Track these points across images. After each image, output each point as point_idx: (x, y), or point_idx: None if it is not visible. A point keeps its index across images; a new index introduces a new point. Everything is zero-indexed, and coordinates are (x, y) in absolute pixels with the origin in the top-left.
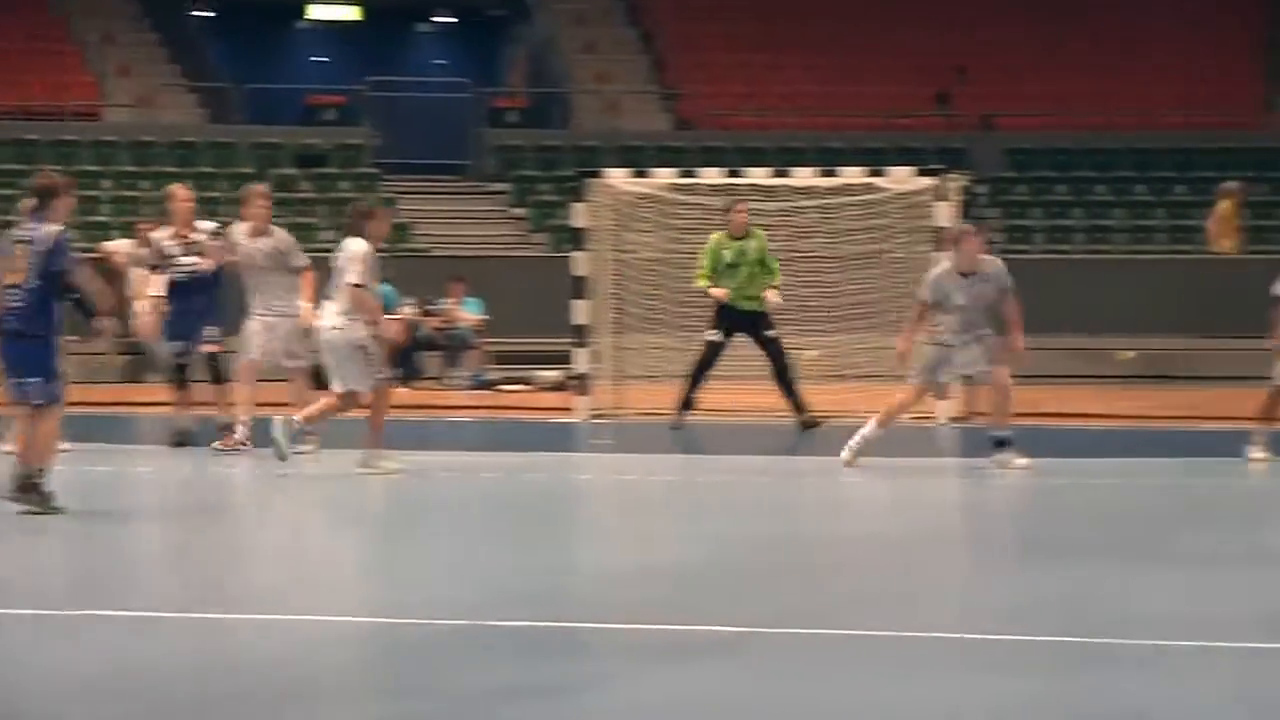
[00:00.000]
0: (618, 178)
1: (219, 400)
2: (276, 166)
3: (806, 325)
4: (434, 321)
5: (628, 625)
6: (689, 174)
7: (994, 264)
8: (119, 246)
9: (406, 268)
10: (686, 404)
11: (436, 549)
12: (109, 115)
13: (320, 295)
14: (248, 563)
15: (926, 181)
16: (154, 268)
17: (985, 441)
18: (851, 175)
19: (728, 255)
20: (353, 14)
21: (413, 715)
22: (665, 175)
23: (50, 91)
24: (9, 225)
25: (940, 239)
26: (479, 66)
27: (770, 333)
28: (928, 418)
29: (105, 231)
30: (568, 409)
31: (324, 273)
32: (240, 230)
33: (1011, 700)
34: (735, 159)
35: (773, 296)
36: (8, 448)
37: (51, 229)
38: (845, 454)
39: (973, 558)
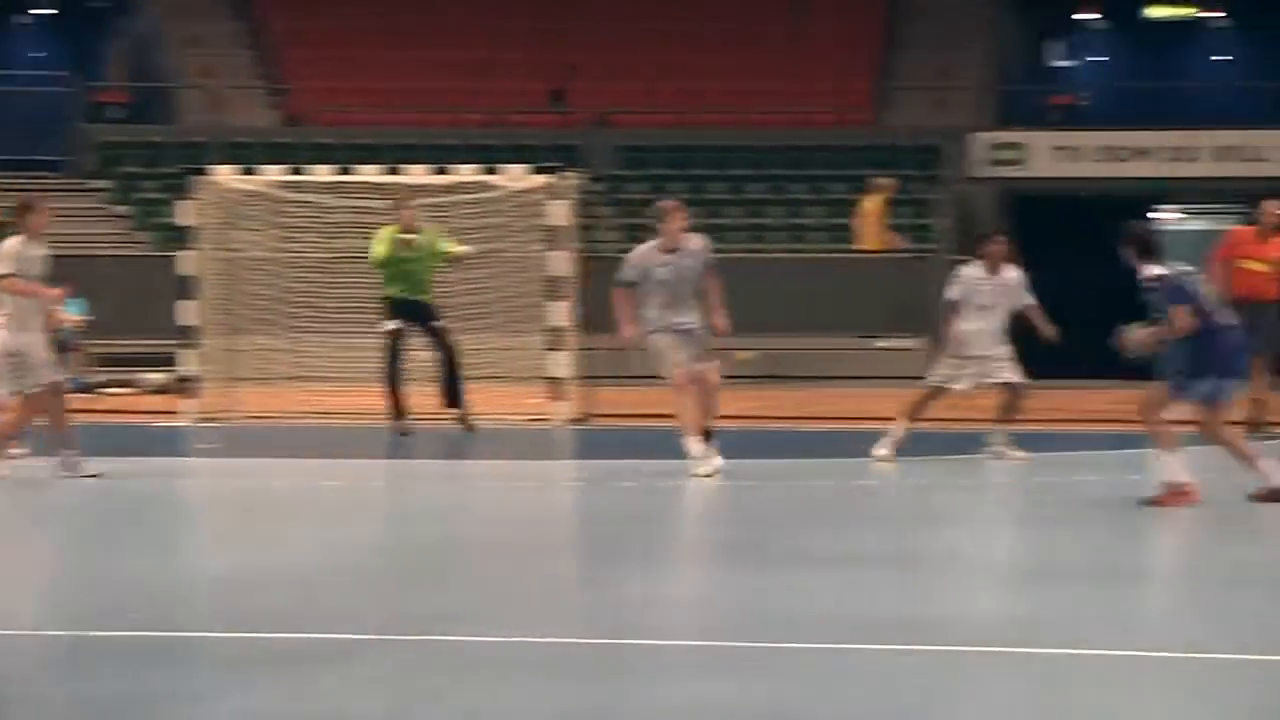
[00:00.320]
0: (225, 175)
1: None
2: None
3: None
4: None
5: (239, 634)
6: (298, 171)
7: (698, 240)
8: None
9: None
10: (399, 406)
11: (39, 558)
12: None
13: None
14: None
15: (541, 179)
16: None
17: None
18: (465, 173)
19: (399, 250)
20: None
21: None
22: (274, 173)
23: None
24: None
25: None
26: (79, 60)
27: (438, 324)
28: (545, 419)
29: None
30: (174, 412)
31: None
32: None
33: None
34: (346, 156)
35: (461, 249)
36: None
37: None
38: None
39: (582, 562)
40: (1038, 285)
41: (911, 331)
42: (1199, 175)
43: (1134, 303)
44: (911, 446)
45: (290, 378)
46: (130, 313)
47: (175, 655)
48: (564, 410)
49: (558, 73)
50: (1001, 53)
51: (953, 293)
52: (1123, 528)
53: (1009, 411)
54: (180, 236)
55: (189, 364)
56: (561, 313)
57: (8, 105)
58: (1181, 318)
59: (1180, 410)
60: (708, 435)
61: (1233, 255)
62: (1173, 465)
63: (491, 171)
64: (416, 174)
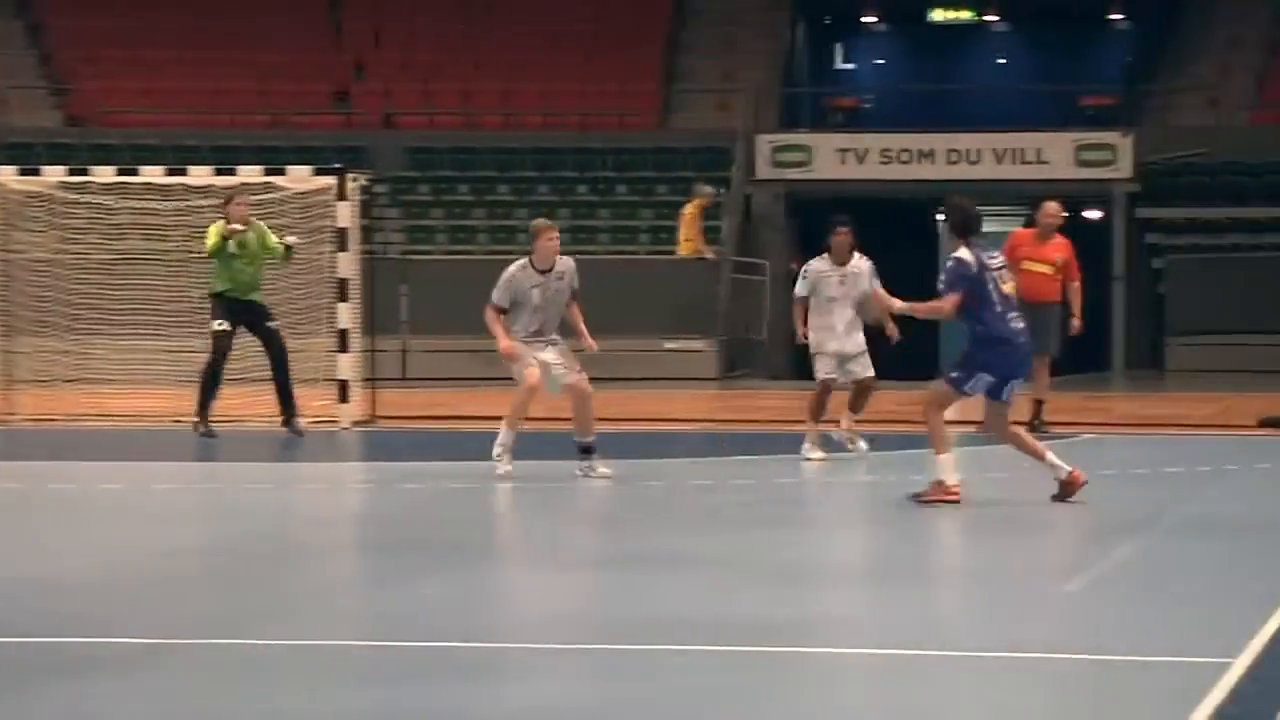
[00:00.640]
0: (5, 175)
1: None
2: None
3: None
4: None
5: (17, 639)
6: (80, 172)
7: (567, 262)
8: None
9: None
10: (206, 407)
11: None
12: None
13: None
14: None
15: (325, 181)
16: None
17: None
18: (249, 174)
19: (230, 245)
20: None
21: None
22: (56, 174)
23: None
24: None
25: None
26: None
27: (272, 324)
28: (331, 420)
29: None
30: None
31: None
32: None
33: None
34: (129, 157)
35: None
36: None
37: None
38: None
39: (369, 565)
40: None
41: (699, 333)
42: (981, 177)
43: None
44: (708, 447)
45: (71, 380)
46: None
47: None
48: (350, 412)
49: (342, 74)
50: (785, 56)
51: (800, 289)
52: (903, 528)
53: (857, 406)
54: None
55: None
56: (348, 314)
57: None
58: (948, 304)
59: (963, 408)
60: (589, 450)
61: (1014, 257)
62: (944, 464)
63: (276, 172)
64: (200, 175)
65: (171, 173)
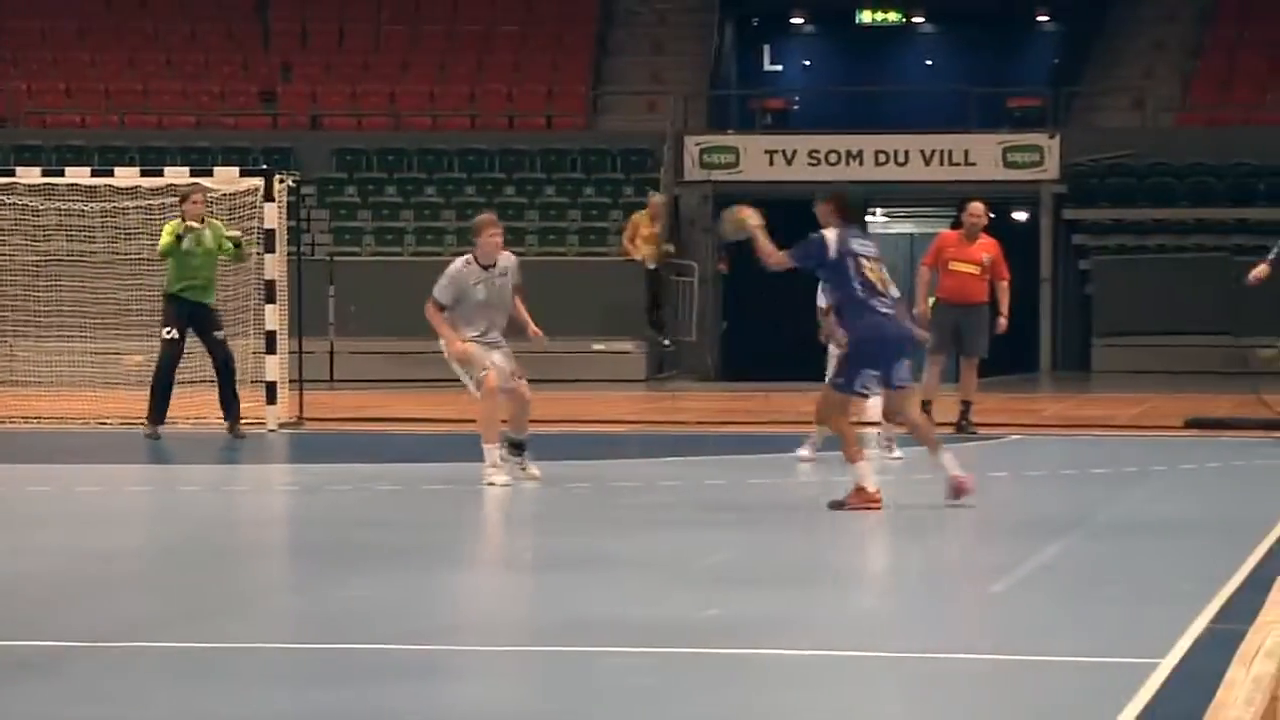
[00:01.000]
0: None
1: None
2: None
3: (134, 329)
4: None
5: None
6: (6, 173)
7: (509, 258)
8: None
9: None
10: (159, 413)
11: None
12: None
13: None
14: None
15: (252, 182)
16: None
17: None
18: (176, 175)
19: (186, 242)
20: None
21: None
22: None
23: None
24: None
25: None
26: None
27: (219, 334)
28: (258, 422)
29: None
30: None
31: None
32: None
33: (295, 709)
34: (53, 158)
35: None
36: None
37: None
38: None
39: (295, 567)
40: (747, 289)
41: (627, 335)
42: (909, 179)
43: None
44: (637, 449)
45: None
46: None
47: None
48: (277, 414)
49: (269, 75)
50: (713, 57)
51: (823, 299)
52: (831, 530)
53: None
54: None
55: None
56: (274, 316)
57: None
58: (780, 256)
59: (860, 408)
60: (521, 447)
61: (941, 258)
62: (861, 471)
63: (203, 174)
64: (126, 176)
65: (97, 174)
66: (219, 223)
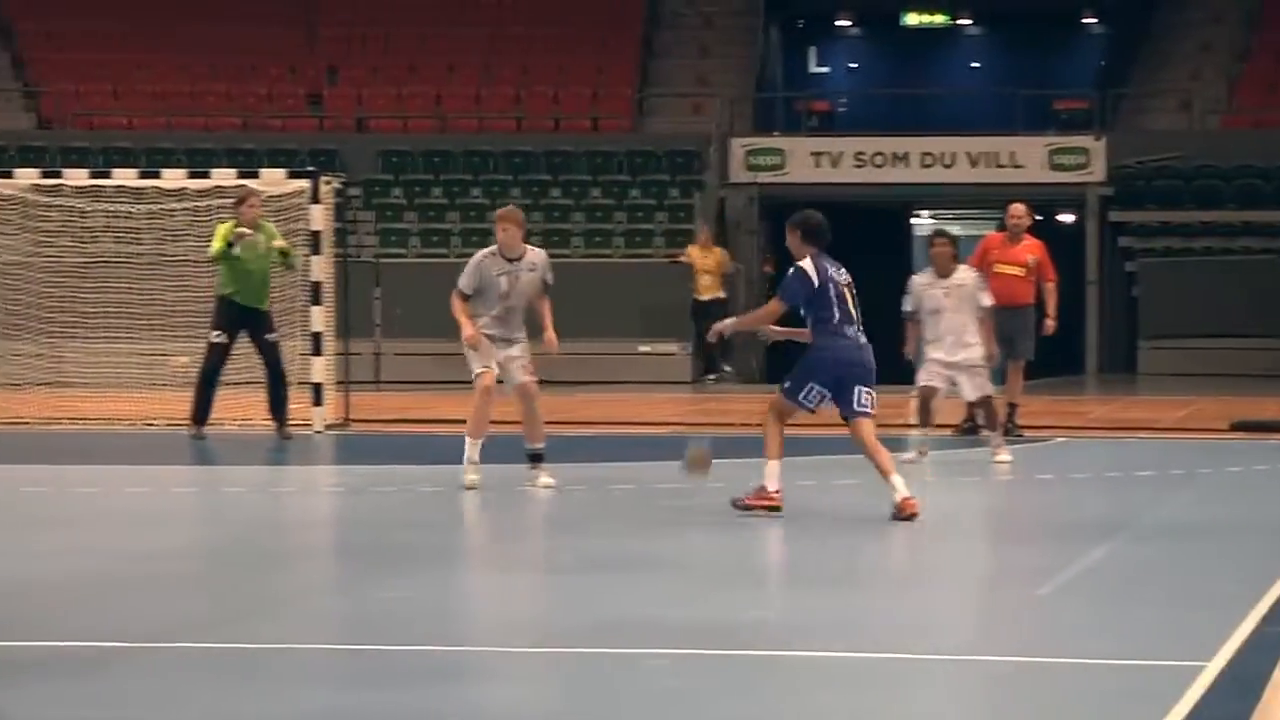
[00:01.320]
0: None
1: None
2: None
3: (180, 330)
4: None
5: None
6: (53, 175)
7: (539, 254)
8: None
9: None
10: (202, 414)
11: None
12: None
13: None
14: None
15: (299, 184)
16: None
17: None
18: (223, 177)
19: (236, 249)
20: None
21: None
22: (27, 176)
23: None
24: None
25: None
26: None
27: (271, 337)
28: (304, 424)
29: None
30: None
31: None
32: None
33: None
34: (101, 160)
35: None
36: None
37: None
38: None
39: (341, 568)
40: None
41: (672, 336)
42: (955, 181)
43: (894, 307)
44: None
45: (44, 383)
46: None
47: None
48: (323, 415)
49: (316, 77)
50: (759, 59)
51: (906, 304)
52: (873, 532)
53: (988, 418)
54: None
55: None
56: (321, 317)
57: None
58: (773, 306)
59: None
60: (537, 458)
61: (986, 261)
62: (770, 470)
63: (250, 176)
64: (173, 178)
65: (144, 176)
66: (272, 226)
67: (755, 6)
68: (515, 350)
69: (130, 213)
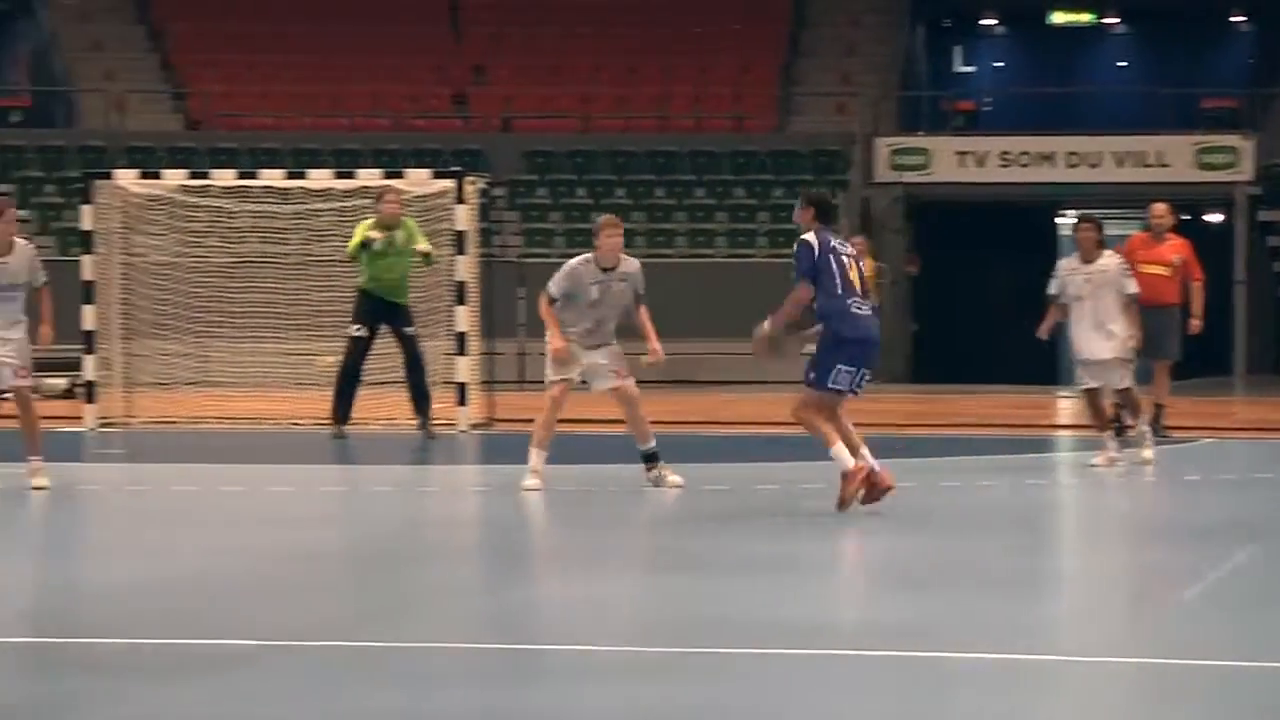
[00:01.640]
0: (126, 179)
1: None
2: None
3: (326, 330)
4: None
5: (132, 640)
6: (200, 175)
7: (632, 264)
8: None
9: None
10: (343, 412)
11: None
12: None
13: None
14: None
15: (444, 184)
16: None
17: (509, 447)
18: (369, 177)
19: (376, 244)
20: None
21: None
22: (176, 177)
23: None
24: None
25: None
26: None
27: (409, 330)
28: (449, 424)
29: None
30: (76, 417)
31: None
32: None
33: (499, 709)
34: (248, 160)
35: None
36: None
37: None
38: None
39: (492, 567)
40: (940, 289)
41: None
42: (1101, 180)
43: (1037, 307)
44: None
45: (191, 383)
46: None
47: (63, 662)
48: (468, 415)
49: (461, 77)
50: (904, 59)
51: (1051, 288)
52: (1009, 534)
53: (1129, 410)
54: (81, 241)
55: (89, 369)
56: (465, 317)
57: None
58: (802, 292)
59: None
60: (653, 458)
61: (1131, 260)
62: (838, 453)
63: (394, 175)
64: (319, 179)
65: (291, 176)
66: (413, 223)
67: (901, 5)
68: (600, 356)
69: (277, 213)
